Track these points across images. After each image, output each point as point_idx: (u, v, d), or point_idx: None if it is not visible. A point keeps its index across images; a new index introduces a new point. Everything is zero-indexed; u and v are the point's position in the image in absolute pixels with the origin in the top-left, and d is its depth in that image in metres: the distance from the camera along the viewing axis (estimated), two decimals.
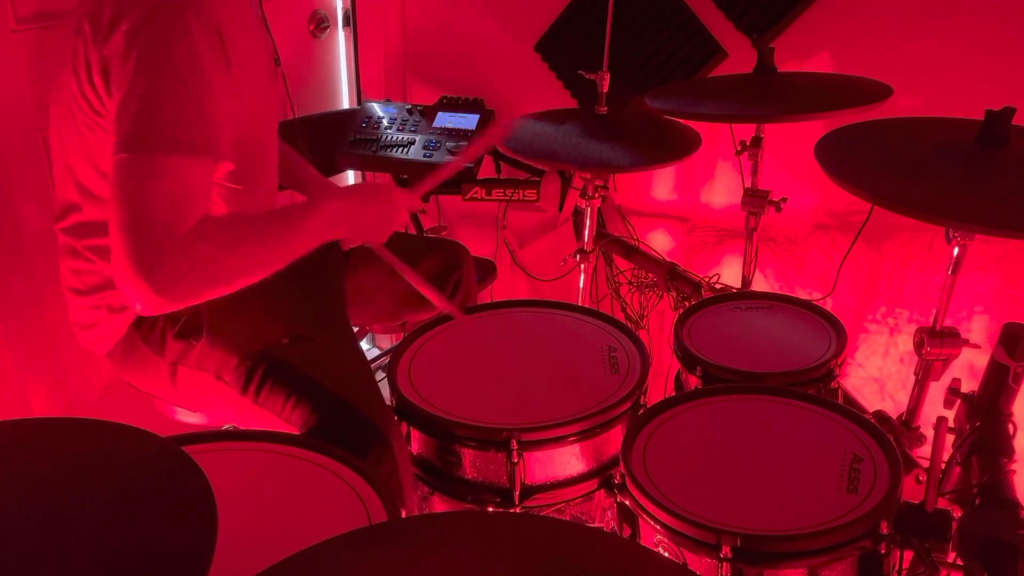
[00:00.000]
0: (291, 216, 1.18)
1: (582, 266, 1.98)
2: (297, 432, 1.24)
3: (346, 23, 2.49)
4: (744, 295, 1.70)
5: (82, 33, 1.11)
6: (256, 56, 1.25)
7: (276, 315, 1.35)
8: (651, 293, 2.29)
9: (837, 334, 1.46)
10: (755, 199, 1.79)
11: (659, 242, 2.35)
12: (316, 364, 1.30)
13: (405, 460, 1.25)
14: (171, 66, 1.04)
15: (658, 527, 1.06)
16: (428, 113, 2.20)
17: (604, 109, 1.84)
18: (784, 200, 1.78)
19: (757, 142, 1.80)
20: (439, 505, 1.32)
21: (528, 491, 1.23)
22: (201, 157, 1.06)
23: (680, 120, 1.78)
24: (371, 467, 1.15)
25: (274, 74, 1.36)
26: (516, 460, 1.19)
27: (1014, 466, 1.24)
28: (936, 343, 1.40)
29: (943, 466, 1.17)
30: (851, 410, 1.21)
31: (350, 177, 2.64)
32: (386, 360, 1.40)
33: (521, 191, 2.25)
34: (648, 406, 1.27)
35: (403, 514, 1.16)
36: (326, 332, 1.38)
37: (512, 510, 1.22)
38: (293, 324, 1.35)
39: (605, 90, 1.83)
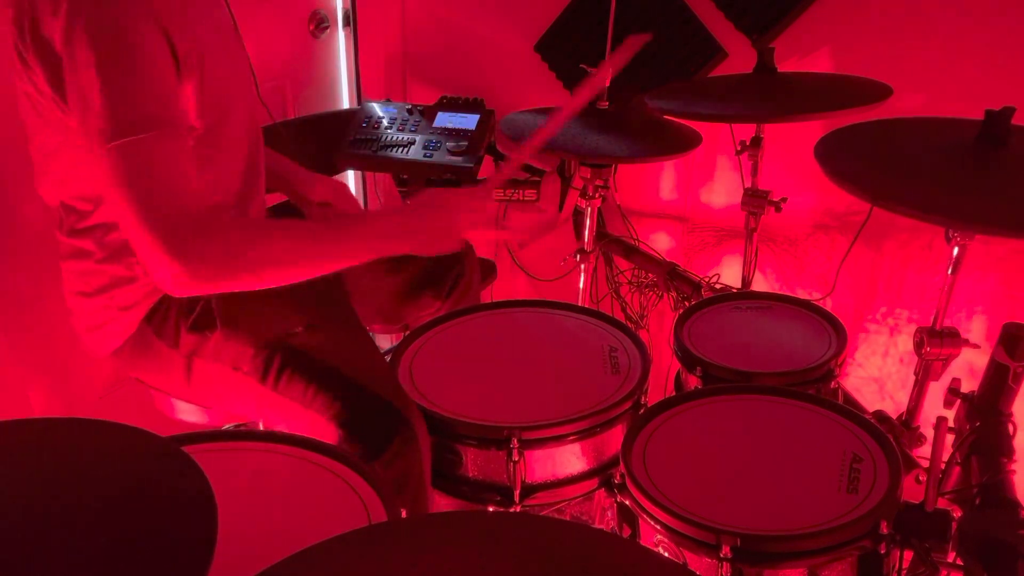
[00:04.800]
0: (344, 221, 1.21)
1: (582, 266, 1.97)
2: (322, 419, 1.24)
3: (346, 23, 2.49)
4: (744, 295, 1.70)
5: (19, 25, 1.11)
6: (208, 21, 1.24)
7: (288, 304, 1.35)
8: (651, 293, 2.29)
9: (837, 334, 1.46)
10: (755, 199, 1.79)
11: (659, 242, 2.34)
12: (333, 351, 1.30)
13: (427, 447, 1.24)
14: (115, 53, 1.05)
15: (658, 527, 1.06)
16: (428, 113, 2.20)
17: (606, 104, 1.84)
18: (784, 200, 1.78)
19: (757, 142, 1.80)
20: (439, 504, 1.32)
21: (528, 490, 1.23)
22: (167, 128, 1.08)
23: (680, 120, 1.79)
24: (395, 454, 1.18)
25: (234, 36, 1.35)
26: (517, 459, 1.19)
27: (1014, 466, 1.24)
28: (936, 343, 1.40)
29: (943, 466, 1.17)
30: (851, 410, 1.21)
31: (350, 177, 2.64)
32: (387, 359, 1.40)
33: (521, 191, 2.25)
34: (648, 406, 1.27)
35: (408, 510, 1.17)
36: (337, 321, 1.38)
37: (512, 509, 1.22)
38: (305, 313, 1.34)
39: (608, 83, 1.82)
